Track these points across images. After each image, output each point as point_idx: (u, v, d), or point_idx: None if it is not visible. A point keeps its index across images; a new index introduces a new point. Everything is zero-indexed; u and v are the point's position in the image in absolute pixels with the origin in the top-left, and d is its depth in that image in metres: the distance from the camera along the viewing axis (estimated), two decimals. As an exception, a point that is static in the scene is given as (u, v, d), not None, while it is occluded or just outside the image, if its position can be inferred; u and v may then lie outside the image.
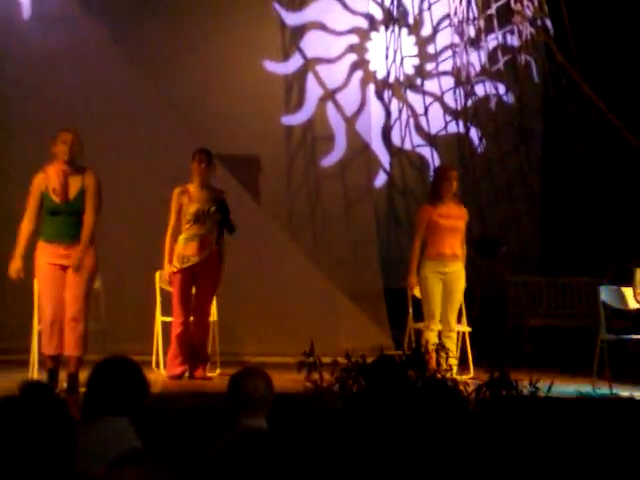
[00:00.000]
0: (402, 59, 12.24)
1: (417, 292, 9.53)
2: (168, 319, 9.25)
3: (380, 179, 12.23)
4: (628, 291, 9.10)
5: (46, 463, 2.43)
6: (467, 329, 9.71)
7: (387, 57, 12.18)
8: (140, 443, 3.70)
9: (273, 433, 2.93)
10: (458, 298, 9.47)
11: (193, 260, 8.94)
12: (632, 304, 9.13)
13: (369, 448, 3.52)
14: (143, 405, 3.52)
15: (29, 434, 2.44)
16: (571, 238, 11.82)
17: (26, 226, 8.19)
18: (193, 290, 9.06)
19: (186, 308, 8.93)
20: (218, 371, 9.30)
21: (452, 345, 9.16)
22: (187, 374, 8.96)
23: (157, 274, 9.34)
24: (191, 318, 8.99)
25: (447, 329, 9.35)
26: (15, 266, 8.13)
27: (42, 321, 8.15)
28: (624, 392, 8.77)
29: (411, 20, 12.33)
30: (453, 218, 9.54)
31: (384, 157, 12.26)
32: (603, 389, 8.77)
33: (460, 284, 9.42)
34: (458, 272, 9.43)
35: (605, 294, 9.41)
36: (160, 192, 10.31)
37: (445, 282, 9.38)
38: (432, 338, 9.06)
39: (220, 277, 9.06)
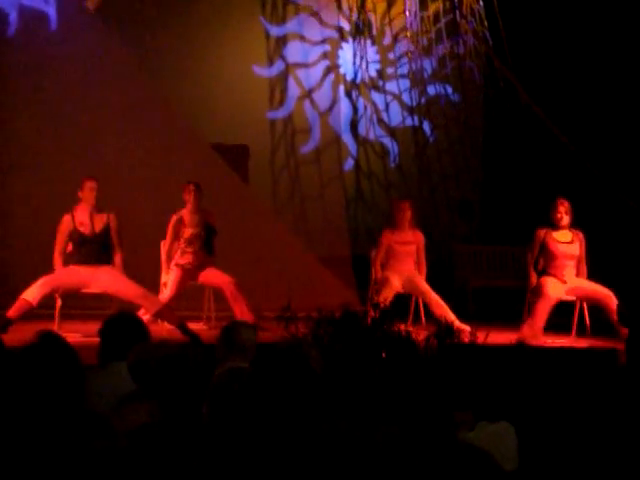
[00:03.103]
0: (367, 64, 12.18)
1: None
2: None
3: (349, 164, 12.19)
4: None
5: (60, 399, 2.38)
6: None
7: (354, 63, 12.11)
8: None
9: (256, 374, 2.91)
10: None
11: (188, 266, 8.94)
12: None
13: (336, 387, 3.51)
14: (136, 352, 3.43)
15: (45, 376, 2.40)
16: (506, 214, 11.82)
17: (58, 258, 8.26)
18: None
19: (177, 297, 8.88)
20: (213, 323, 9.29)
21: None
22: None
23: (161, 243, 9.27)
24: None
25: None
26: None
27: None
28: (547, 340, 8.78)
29: (374, 32, 12.27)
30: (406, 244, 9.47)
31: (352, 146, 12.22)
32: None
33: (414, 283, 9.37)
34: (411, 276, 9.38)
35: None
36: (163, 173, 10.25)
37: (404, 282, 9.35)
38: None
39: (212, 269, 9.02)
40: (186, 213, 9.02)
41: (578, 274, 8.77)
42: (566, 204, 8.64)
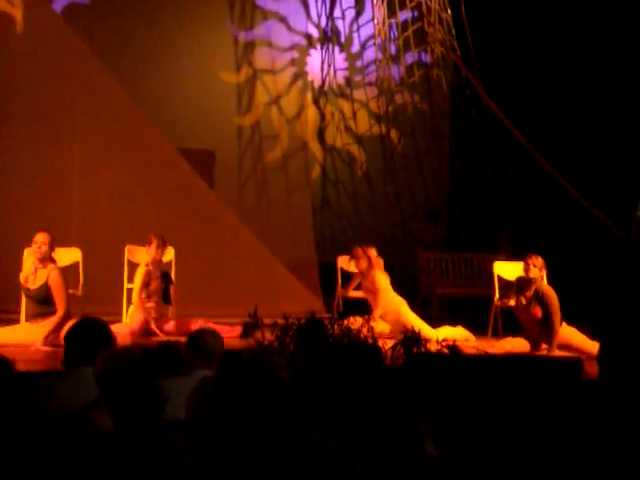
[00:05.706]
0: (335, 72, 12.20)
1: None
2: (131, 286, 9.06)
3: (315, 171, 12.21)
4: (517, 266, 8.87)
5: None
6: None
7: (322, 70, 12.13)
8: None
9: (223, 382, 2.90)
10: None
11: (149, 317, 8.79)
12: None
13: (300, 393, 3.51)
14: (101, 359, 3.38)
15: None
16: (472, 221, 11.86)
17: None
18: None
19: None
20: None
21: None
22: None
23: (126, 248, 9.22)
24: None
25: None
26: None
27: None
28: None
29: (343, 39, 12.31)
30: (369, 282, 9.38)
31: (319, 153, 12.24)
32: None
33: None
34: None
35: (499, 268, 9.44)
36: (129, 177, 10.19)
37: None
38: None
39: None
40: (151, 265, 8.81)
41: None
42: (535, 258, 8.35)
